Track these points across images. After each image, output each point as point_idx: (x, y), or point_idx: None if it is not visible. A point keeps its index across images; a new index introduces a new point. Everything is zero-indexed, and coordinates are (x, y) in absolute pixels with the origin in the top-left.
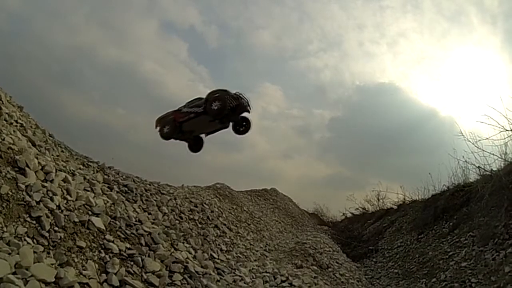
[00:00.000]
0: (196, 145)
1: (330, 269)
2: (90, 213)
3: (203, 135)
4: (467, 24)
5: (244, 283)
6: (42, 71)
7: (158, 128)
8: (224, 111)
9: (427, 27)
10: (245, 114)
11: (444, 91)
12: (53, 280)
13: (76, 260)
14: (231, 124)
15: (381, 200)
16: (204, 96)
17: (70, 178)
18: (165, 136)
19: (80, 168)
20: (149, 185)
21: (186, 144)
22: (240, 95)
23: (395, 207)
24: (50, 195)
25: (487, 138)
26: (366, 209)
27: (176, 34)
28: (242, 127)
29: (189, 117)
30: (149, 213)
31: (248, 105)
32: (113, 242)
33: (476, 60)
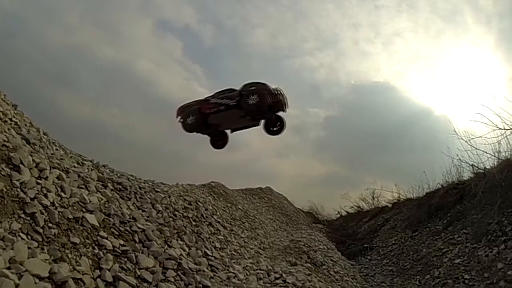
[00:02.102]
0: (220, 141)
1: (324, 267)
2: (84, 210)
3: (228, 131)
4: (462, 23)
5: (238, 280)
6: (36, 70)
7: (179, 118)
8: (261, 108)
9: (422, 27)
10: (280, 113)
11: (438, 90)
12: (47, 275)
13: (70, 256)
14: (261, 122)
15: (376, 199)
16: (235, 87)
17: (64, 175)
18: (189, 128)
19: (74, 166)
20: (144, 183)
21: (208, 138)
22: (280, 92)
23: (389, 205)
24: (45, 192)
25: (480, 137)
26: (361, 208)
27: (171, 33)
28: (276, 127)
29: (218, 109)
30: (143, 211)
31: (286, 104)
32: (107, 238)
33: (471, 59)
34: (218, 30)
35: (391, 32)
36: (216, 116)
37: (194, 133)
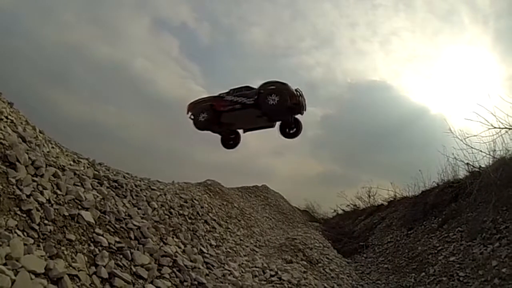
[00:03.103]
0: (232, 140)
1: (320, 264)
2: (79, 207)
3: (241, 130)
4: (459, 23)
5: (233, 277)
6: (32, 68)
7: (190, 114)
8: (281, 109)
9: (419, 26)
10: (298, 116)
11: (435, 89)
12: (43, 271)
13: (65, 252)
14: (277, 123)
15: (372, 197)
16: (251, 85)
17: (60, 173)
18: (200, 125)
19: (70, 164)
20: (139, 181)
21: (219, 137)
22: (301, 93)
23: (385, 203)
24: (40, 189)
25: (475, 135)
26: (357, 206)
27: (168, 31)
28: (293, 129)
29: (233, 107)
30: (139, 208)
31: (305, 107)
32: (102, 235)
33: (467, 59)
34: (215, 29)
35: (388, 31)
36: (231, 115)
37: (205, 131)
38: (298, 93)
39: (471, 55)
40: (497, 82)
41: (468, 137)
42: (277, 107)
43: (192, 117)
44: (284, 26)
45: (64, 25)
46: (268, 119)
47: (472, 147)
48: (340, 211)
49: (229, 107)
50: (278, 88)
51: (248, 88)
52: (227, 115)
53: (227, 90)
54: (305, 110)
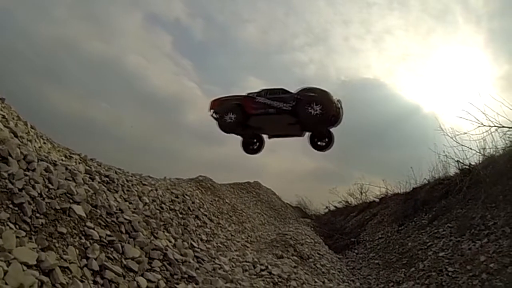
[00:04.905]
0: (254, 146)
1: (311, 260)
2: (71, 201)
3: (265, 135)
4: (453, 23)
5: (223, 271)
6: (24, 64)
7: (213, 112)
8: (323, 120)
9: (412, 25)
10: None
11: (428, 88)
12: (35, 263)
13: (57, 245)
14: (307, 133)
15: (364, 194)
16: (287, 88)
17: (52, 168)
18: (227, 127)
19: (62, 159)
20: (131, 176)
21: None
22: (341, 105)
23: (377, 200)
24: (32, 183)
25: (465, 133)
26: (349, 202)
27: (161, 27)
28: (323, 142)
29: (267, 111)
30: (130, 203)
31: (341, 119)
32: (93, 229)
33: (460, 58)
34: (208, 25)
35: (382, 30)
36: (261, 119)
37: (230, 133)
38: (339, 105)
39: (464, 54)
40: (489, 81)
41: (458, 134)
42: (318, 118)
43: (216, 115)
44: (277, 23)
45: (56, 20)
46: (302, 127)
47: (462, 145)
48: (332, 208)
49: (261, 110)
50: (320, 97)
51: (283, 91)
52: (257, 119)
53: (258, 90)
54: (340, 123)
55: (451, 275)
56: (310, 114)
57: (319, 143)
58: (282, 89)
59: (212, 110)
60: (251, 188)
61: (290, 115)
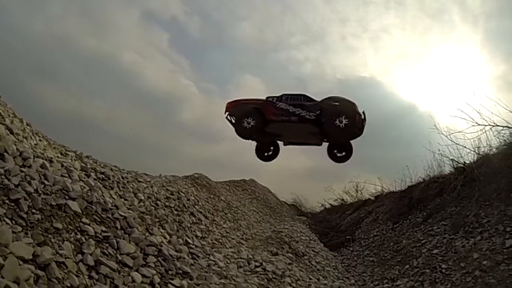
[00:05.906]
0: (268, 152)
1: (305, 257)
2: (67, 197)
3: (281, 142)
4: (449, 22)
5: (218, 267)
6: (19, 61)
7: (227, 114)
8: (350, 134)
9: (409, 24)
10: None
11: (424, 87)
12: (31, 257)
13: (52, 240)
14: (324, 142)
15: (359, 192)
16: (309, 95)
17: (47, 164)
18: (244, 133)
19: (58, 156)
20: (127, 173)
21: (254, 145)
22: (365, 117)
23: (372, 198)
24: (28, 179)
25: (460, 132)
26: (345, 200)
27: (157, 24)
28: (341, 153)
29: (288, 118)
30: (125, 199)
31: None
32: (89, 225)
33: (456, 57)
34: (205, 23)
35: (378, 28)
36: (281, 125)
37: (248, 139)
38: (363, 116)
39: (461, 54)
40: (485, 81)
41: (453, 133)
42: (344, 131)
43: (232, 119)
44: (274, 21)
45: (51, 16)
46: (323, 137)
47: (457, 144)
48: (327, 206)
49: (283, 117)
50: (348, 110)
51: (306, 98)
52: (277, 125)
53: (278, 95)
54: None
55: (445, 272)
56: (336, 126)
57: (338, 154)
58: (304, 95)
59: (227, 113)
60: (246, 186)
61: (313, 125)
